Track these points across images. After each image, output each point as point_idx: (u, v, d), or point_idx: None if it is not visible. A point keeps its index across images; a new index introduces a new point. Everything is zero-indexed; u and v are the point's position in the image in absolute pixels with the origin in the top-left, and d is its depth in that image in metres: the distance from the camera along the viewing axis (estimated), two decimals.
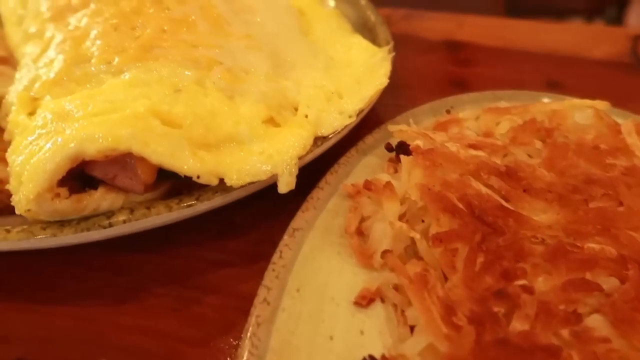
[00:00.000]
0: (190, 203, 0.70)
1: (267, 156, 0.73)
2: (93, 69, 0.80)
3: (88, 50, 0.85)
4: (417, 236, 0.67)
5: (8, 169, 0.74)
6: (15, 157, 0.68)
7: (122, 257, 0.81)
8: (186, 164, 0.67)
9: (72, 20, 0.93)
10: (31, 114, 0.81)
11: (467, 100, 0.96)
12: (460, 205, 0.70)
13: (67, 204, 0.64)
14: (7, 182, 0.78)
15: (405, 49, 1.15)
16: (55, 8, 0.98)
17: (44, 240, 0.66)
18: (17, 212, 0.64)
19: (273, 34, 0.95)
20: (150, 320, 0.72)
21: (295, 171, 0.73)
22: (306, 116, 0.80)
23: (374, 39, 1.06)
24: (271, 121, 0.80)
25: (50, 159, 0.62)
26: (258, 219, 0.87)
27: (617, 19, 3.12)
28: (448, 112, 0.94)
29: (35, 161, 0.63)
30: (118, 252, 0.80)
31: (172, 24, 0.89)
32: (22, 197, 0.62)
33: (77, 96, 0.74)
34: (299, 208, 0.75)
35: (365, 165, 0.83)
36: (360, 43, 1.02)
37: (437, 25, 1.45)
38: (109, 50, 0.83)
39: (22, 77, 0.90)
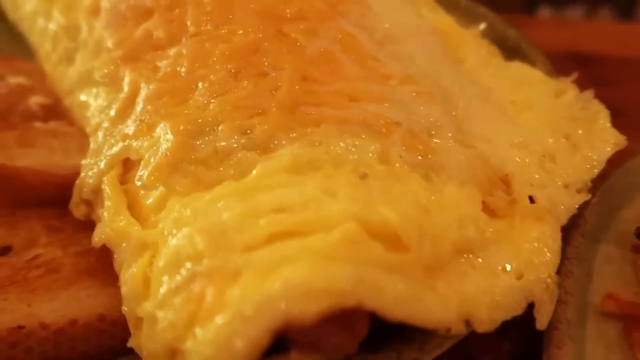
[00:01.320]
0: (414, 356, 0.46)
1: (516, 275, 0.49)
2: (224, 143, 0.55)
3: (202, 110, 0.60)
4: None
5: (124, 308, 0.49)
6: (152, 309, 0.43)
7: None
8: (431, 311, 0.42)
9: (161, 63, 0.68)
10: (131, 207, 0.56)
11: None
12: None
13: None
14: (114, 318, 0.53)
15: None
16: (128, 43, 0.72)
17: None
18: None
19: (431, 71, 0.71)
20: None
21: (556, 294, 0.49)
22: (530, 198, 0.57)
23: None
24: (485, 208, 0.55)
25: (242, 333, 0.37)
26: None
27: (627, 12, 2.89)
28: None
29: (213, 336, 0.38)
30: None
31: (311, 67, 0.64)
32: None
33: (222, 195, 0.49)
34: (549, 341, 0.52)
35: (606, 259, 0.60)
36: (527, 74, 0.79)
37: (551, 34, 1.21)
38: (239, 112, 0.58)
39: (100, 147, 0.65)
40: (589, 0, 2.82)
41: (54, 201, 0.68)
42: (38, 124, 0.76)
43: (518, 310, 0.48)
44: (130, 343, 0.47)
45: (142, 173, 0.55)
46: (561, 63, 1.13)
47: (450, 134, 0.61)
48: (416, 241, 0.45)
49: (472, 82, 0.73)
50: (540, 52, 0.86)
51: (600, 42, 1.17)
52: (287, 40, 0.67)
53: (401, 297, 0.41)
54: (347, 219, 0.44)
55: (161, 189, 0.54)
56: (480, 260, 0.49)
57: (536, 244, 0.51)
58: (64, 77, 0.83)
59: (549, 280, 0.49)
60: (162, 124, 0.59)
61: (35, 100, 0.82)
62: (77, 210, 0.64)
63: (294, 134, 0.55)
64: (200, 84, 0.63)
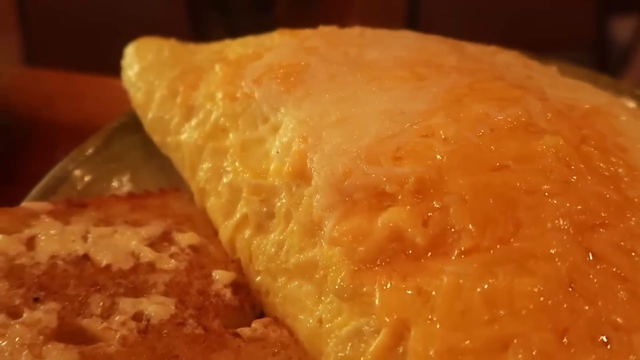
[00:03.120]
0: None
1: None
2: None
3: None
4: None
5: None
6: None
7: None
8: None
9: (430, 287, 0.52)
10: None
11: None
12: None
13: None
14: None
15: None
16: (367, 244, 0.56)
17: None
18: None
19: None
20: None
21: None
22: None
23: None
24: None
25: None
26: None
27: None
28: None
29: None
30: None
31: None
32: None
33: None
34: None
35: None
36: None
37: None
38: None
39: None
40: None
41: None
42: (245, 332, 0.61)
43: None
44: None
45: None
46: None
47: None
48: None
49: None
50: None
51: None
52: (604, 268, 0.51)
53: None
54: None
55: None
56: None
57: None
58: (252, 249, 0.68)
59: None
60: None
61: (221, 280, 0.67)
62: None
63: None
64: (511, 350, 0.47)
